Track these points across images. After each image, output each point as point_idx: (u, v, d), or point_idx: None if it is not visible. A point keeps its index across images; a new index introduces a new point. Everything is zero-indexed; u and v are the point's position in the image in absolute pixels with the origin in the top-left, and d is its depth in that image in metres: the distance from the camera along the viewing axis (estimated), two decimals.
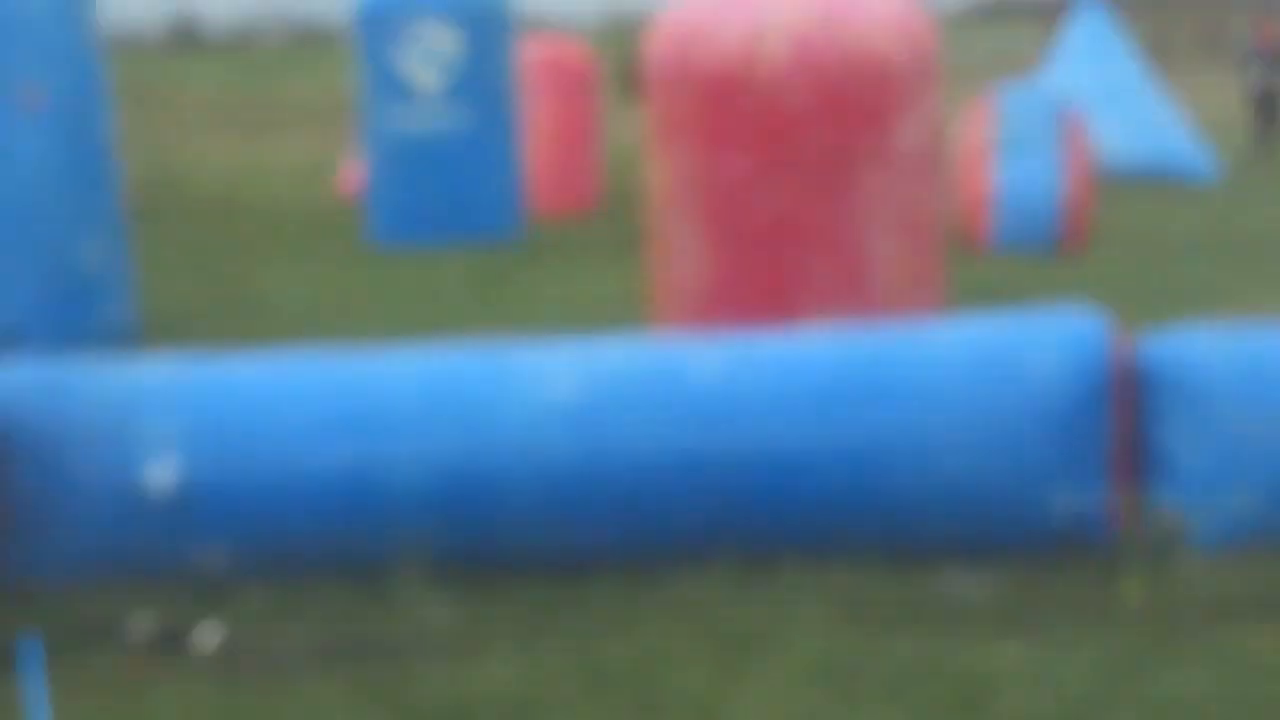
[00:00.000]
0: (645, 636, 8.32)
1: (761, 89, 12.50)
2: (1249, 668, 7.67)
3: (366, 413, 9.16)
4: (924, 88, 12.83)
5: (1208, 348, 9.24)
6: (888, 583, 8.61)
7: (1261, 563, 8.77)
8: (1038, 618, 8.43)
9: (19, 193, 15.24)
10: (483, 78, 22.82)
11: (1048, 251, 20.26)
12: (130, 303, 16.00)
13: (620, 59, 34.44)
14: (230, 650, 8.21)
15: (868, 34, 12.55)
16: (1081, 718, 7.41)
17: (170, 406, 9.21)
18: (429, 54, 22.51)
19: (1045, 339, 9.20)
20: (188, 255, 20.85)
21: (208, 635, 8.45)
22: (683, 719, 7.44)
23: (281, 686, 7.92)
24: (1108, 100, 25.99)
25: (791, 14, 12.59)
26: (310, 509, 8.88)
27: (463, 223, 22.01)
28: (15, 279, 14.86)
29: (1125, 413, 9.04)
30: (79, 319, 14.67)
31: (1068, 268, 18.20)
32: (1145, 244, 20.10)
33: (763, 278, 12.36)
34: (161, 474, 8.91)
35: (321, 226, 24.57)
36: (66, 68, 15.94)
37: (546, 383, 9.20)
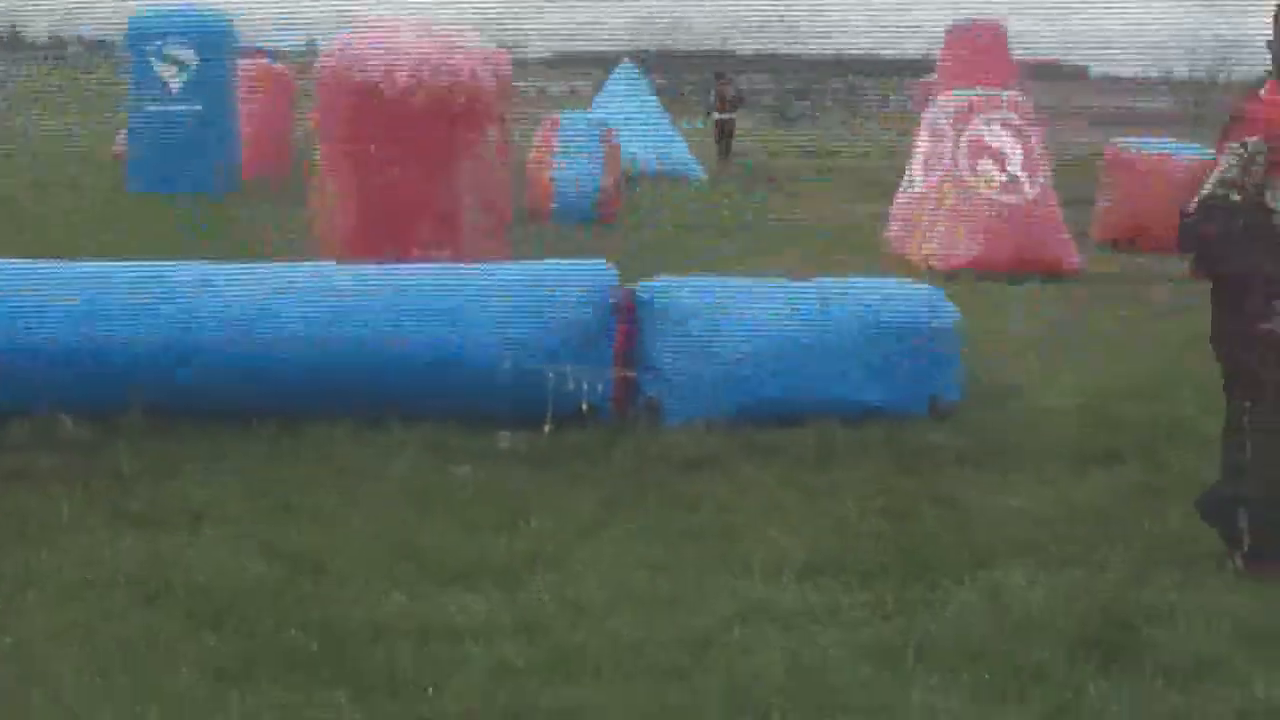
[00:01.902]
0: (294, 465, 8.52)
1: (392, 99, 12.83)
2: (687, 508, 7.96)
3: (105, 304, 9.20)
4: (503, 105, 14.00)
5: (682, 288, 9.89)
6: (462, 436, 8.92)
7: (714, 432, 9.12)
8: (563, 464, 8.73)
9: None
10: (209, 79, 23.92)
11: (593, 221, 19.81)
12: None
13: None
14: None
15: (465, 65, 13.39)
16: (586, 534, 7.50)
17: None
18: (173, 61, 23.01)
19: (575, 278, 9.74)
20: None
21: None
22: (310, 527, 7.42)
23: (31, 493, 7.87)
24: (633, 124, 26.46)
25: (413, 48, 12.96)
26: (60, 369, 8.91)
27: (193, 179, 22.82)
28: None
29: (625, 330, 9.59)
30: None
31: (601, 235, 18.02)
32: (653, 223, 20.15)
33: (387, 229, 12.79)
34: None
35: (101, 179, 23.73)
36: None
37: (230, 288, 9.49)
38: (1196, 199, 7.00)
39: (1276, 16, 7.10)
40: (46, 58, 34.96)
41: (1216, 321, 7.30)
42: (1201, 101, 60.66)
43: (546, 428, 9.02)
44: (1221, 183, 6.91)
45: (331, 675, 5.50)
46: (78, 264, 9.78)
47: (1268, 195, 6.93)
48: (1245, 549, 7.02)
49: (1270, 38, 7.12)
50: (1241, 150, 6.88)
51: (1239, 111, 7.09)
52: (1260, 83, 7.15)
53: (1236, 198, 6.89)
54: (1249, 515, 7.03)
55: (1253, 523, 7.03)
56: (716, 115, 35.10)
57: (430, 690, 5.39)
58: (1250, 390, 7.09)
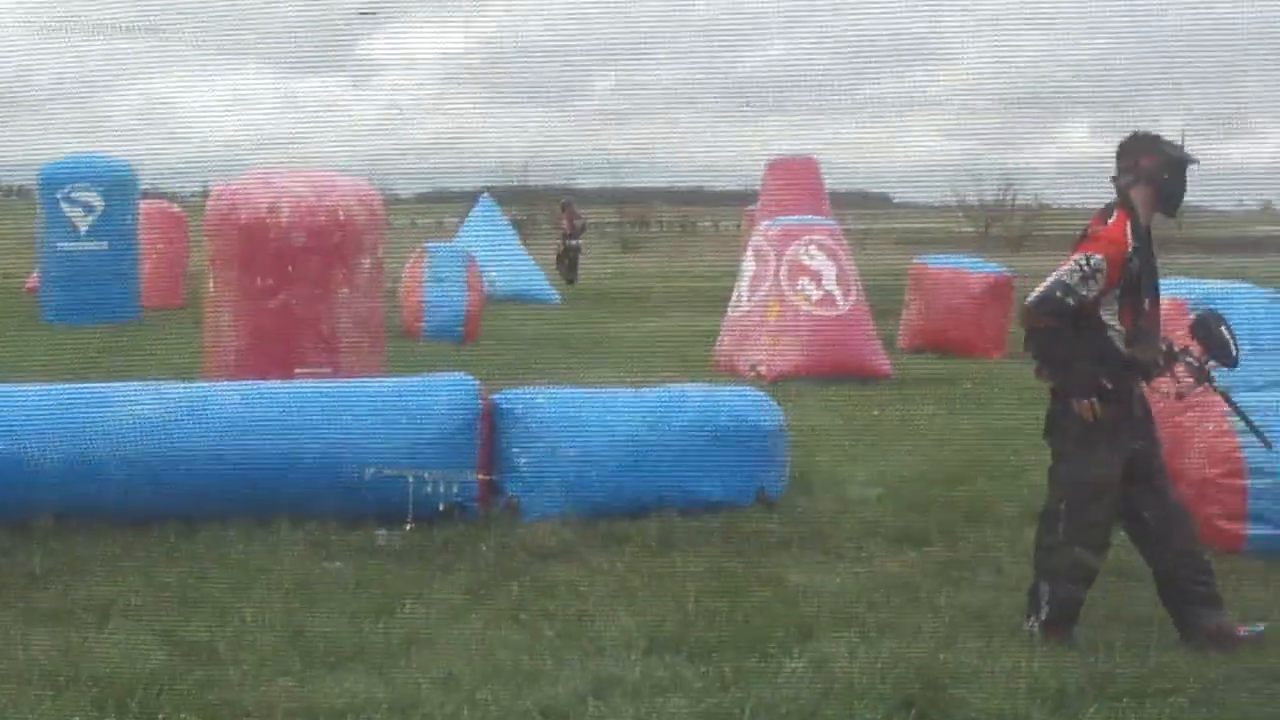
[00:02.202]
0: (189, 561, 8.43)
1: (278, 233, 12.90)
2: (544, 593, 7.92)
3: (16, 419, 9.10)
4: (375, 238, 13.81)
5: (538, 398, 9.90)
6: (343, 531, 8.88)
7: (568, 525, 9.12)
8: (434, 556, 8.68)
9: None
10: (114, 220, 23.70)
11: (456, 340, 19.71)
12: None
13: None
14: None
15: (342, 203, 13.33)
16: (455, 618, 7.46)
17: None
18: (81, 204, 22.49)
19: (443, 391, 9.71)
20: None
21: None
22: (206, 618, 7.28)
23: None
24: (493, 253, 26.49)
25: (296, 189, 13.08)
26: None
27: (98, 310, 22.68)
28: None
29: (487, 435, 9.58)
30: None
31: (466, 350, 18.01)
32: (511, 340, 20.11)
33: (273, 348, 12.59)
34: None
35: (17, 311, 23.52)
36: None
37: (132, 406, 9.36)
38: (1037, 294, 7.13)
39: (1118, 153, 7.32)
40: None
41: (1050, 415, 7.36)
42: (989, 223, 61.88)
43: (408, 526, 8.97)
44: (1060, 285, 7.02)
45: None
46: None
47: (1103, 312, 7.10)
48: (1044, 617, 7.13)
49: (1114, 174, 7.29)
50: (1085, 263, 7.00)
51: (1090, 230, 7.19)
52: (1109, 210, 7.20)
53: (1071, 303, 7.03)
54: (1050, 588, 7.15)
55: (1053, 594, 7.15)
56: (567, 242, 35.53)
57: None
58: (1068, 478, 7.20)
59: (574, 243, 35.82)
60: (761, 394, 10.45)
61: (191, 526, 8.79)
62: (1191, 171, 7.33)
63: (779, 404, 10.33)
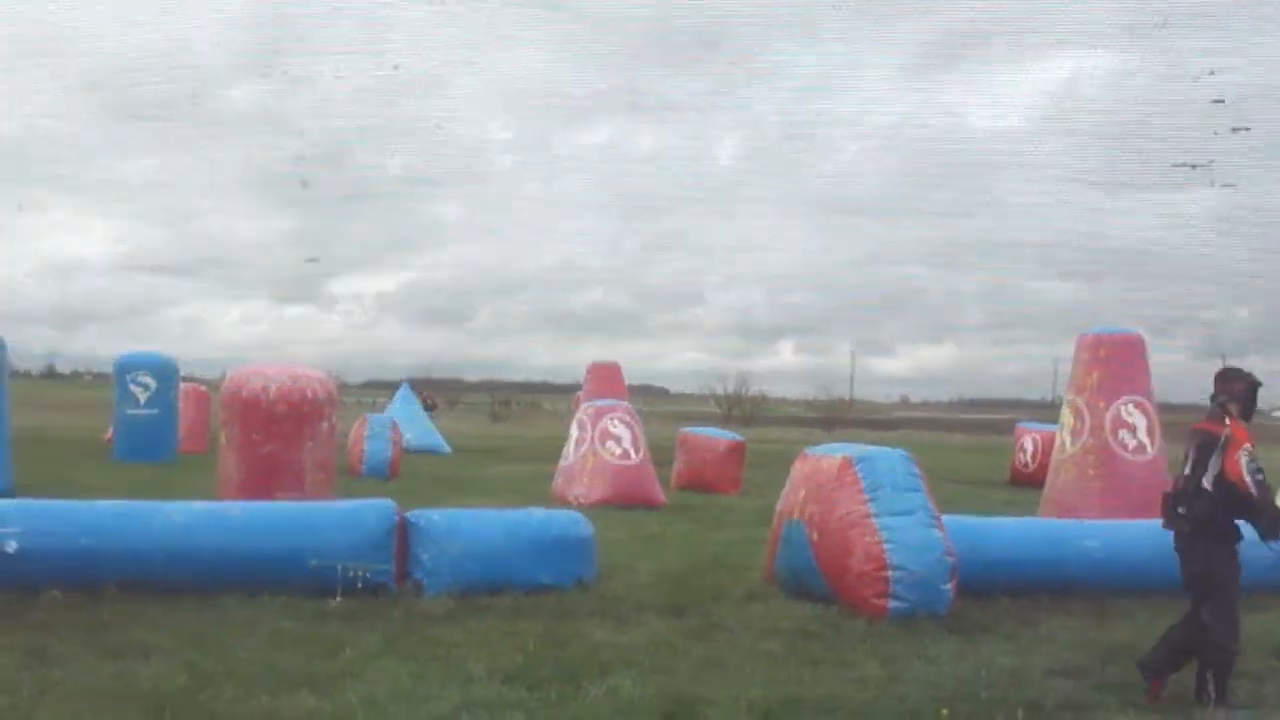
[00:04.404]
0: (203, 617, 8.09)
1: (267, 405, 12.96)
2: (435, 643, 7.68)
3: (96, 522, 9.00)
4: (332, 408, 13.76)
5: (435, 514, 9.73)
6: (294, 604, 8.54)
7: (453, 598, 8.90)
8: (364, 617, 8.38)
9: None
10: (163, 395, 24.79)
11: (384, 477, 19.56)
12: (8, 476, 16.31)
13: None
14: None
15: (309, 386, 13.34)
16: (376, 658, 7.14)
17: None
18: (141, 384, 23.70)
19: (373, 508, 9.52)
20: (37, 465, 18.77)
21: None
22: (215, 655, 7.02)
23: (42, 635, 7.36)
24: (408, 421, 26.41)
25: (280, 377, 13.21)
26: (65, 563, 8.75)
27: (150, 454, 23.41)
28: None
29: (400, 540, 9.36)
30: None
31: (391, 484, 17.77)
32: (419, 477, 19.86)
33: (262, 480, 12.47)
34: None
35: (98, 452, 22.58)
36: None
37: (172, 515, 9.21)
38: (1253, 488, 6.54)
39: (1217, 378, 6.92)
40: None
41: (1194, 570, 6.81)
42: (730, 406, 62.78)
43: (337, 598, 8.70)
44: (1254, 470, 6.52)
45: None
46: (79, 502, 9.60)
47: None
48: (1214, 695, 6.73)
49: (1213, 393, 6.87)
50: (1250, 450, 6.57)
51: (1223, 432, 6.64)
52: (1218, 417, 6.73)
53: (1261, 478, 6.62)
54: (1215, 677, 6.78)
55: (1215, 680, 6.77)
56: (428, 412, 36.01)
57: None
58: (1227, 604, 6.74)
59: (430, 412, 36.22)
60: (580, 515, 10.33)
61: (205, 595, 8.55)
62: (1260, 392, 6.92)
63: (591, 521, 10.28)
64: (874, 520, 9.07)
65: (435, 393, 38.61)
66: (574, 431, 18.88)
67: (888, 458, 9.59)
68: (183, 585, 8.74)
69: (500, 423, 55.69)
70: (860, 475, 9.33)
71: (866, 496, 9.20)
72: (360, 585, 8.94)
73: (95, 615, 8.04)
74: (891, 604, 8.88)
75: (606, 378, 27.07)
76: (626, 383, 27.72)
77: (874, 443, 10.54)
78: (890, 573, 8.89)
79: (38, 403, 28.99)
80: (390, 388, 35.31)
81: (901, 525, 9.06)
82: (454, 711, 6.08)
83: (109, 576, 8.65)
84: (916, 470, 9.56)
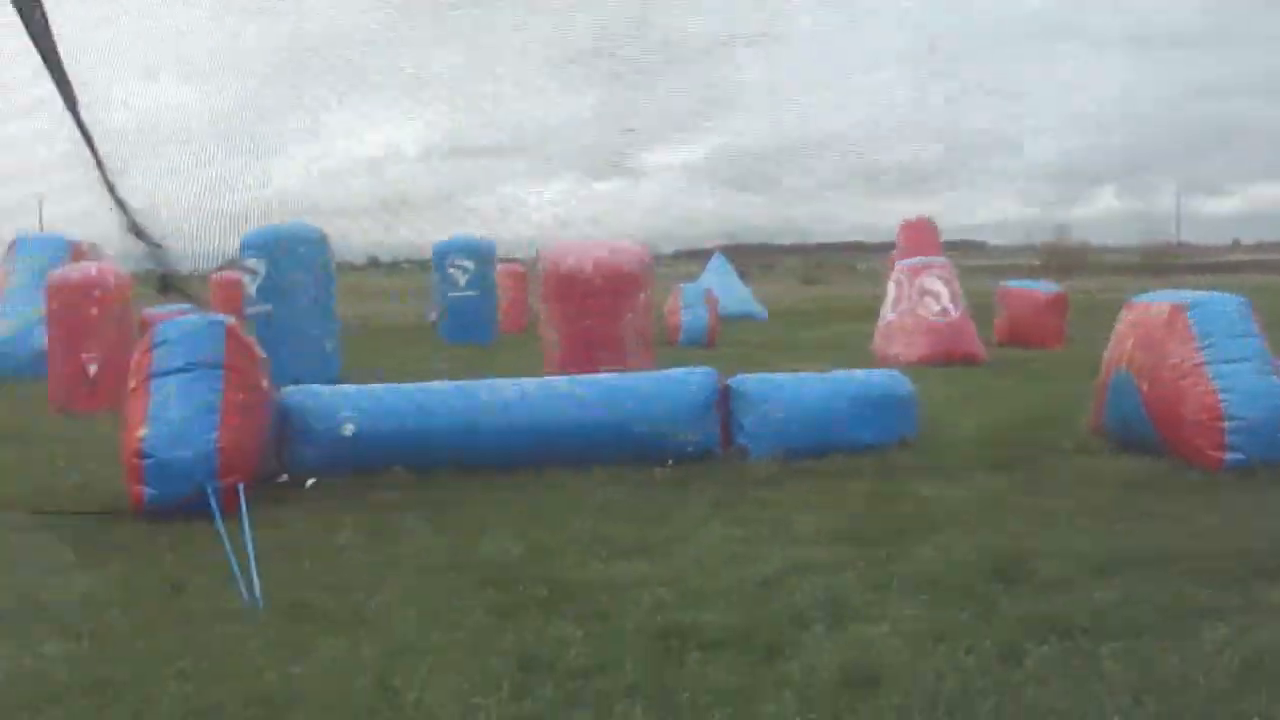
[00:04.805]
0: (537, 491, 8.24)
1: (584, 278, 12.99)
2: (759, 505, 7.78)
3: (429, 402, 9.20)
4: (648, 280, 13.86)
5: (756, 380, 9.71)
6: (621, 475, 8.62)
7: (775, 462, 8.97)
8: (688, 484, 8.46)
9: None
10: (481, 277, 25.48)
11: (703, 346, 19.74)
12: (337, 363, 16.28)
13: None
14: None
15: (624, 258, 13.45)
16: (702, 524, 7.18)
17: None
18: (460, 268, 25.35)
19: (695, 376, 9.58)
20: (365, 353, 20.31)
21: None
22: (548, 522, 7.17)
23: (388, 512, 7.68)
24: (723, 289, 26.71)
25: (596, 252, 13.20)
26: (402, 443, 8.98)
27: (473, 334, 24.00)
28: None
29: (723, 406, 9.40)
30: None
31: (708, 352, 17.97)
32: (737, 344, 20.02)
33: (582, 354, 12.71)
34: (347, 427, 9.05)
35: (422, 334, 24.88)
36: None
37: (501, 391, 9.40)
38: None
39: None
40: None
41: None
42: (1049, 258, 59.85)
43: (669, 463, 8.87)
44: None
45: (563, 610, 5.47)
46: (411, 385, 9.70)
47: None
48: None
49: None
50: None
51: None
52: None
53: None
54: None
55: None
56: None
57: (619, 616, 5.37)
58: None
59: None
60: (898, 373, 10.23)
61: (538, 470, 8.74)
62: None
63: (912, 379, 10.13)
64: (1207, 369, 8.71)
65: (747, 260, 38.21)
66: (891, 290, 18.62)
67: (1221, 303, 9.13)
68: (515, 460, 8.90)
69: (814, 285, 55.42)
70: (1192, 322, 8.95)
71: (1199, 345, 8.85)
72: (688, 452, 9.07)
73: (430, 494, 8.23)
74: (1228, 455, 8.49)
75: (921, 234, 26.29)
76: (942, 239, 26.88)
77: (1207, 288, 9.89)
78: (1226, 423, 8.52)
79: (363, 290, 30.39)
80: (702, 256, 35.58)
81: (1237, 373, 8.67)
82: (782, 572, 6.07)
83: (441, 454, 8.83)
84: (1253, 316, 9.08)
